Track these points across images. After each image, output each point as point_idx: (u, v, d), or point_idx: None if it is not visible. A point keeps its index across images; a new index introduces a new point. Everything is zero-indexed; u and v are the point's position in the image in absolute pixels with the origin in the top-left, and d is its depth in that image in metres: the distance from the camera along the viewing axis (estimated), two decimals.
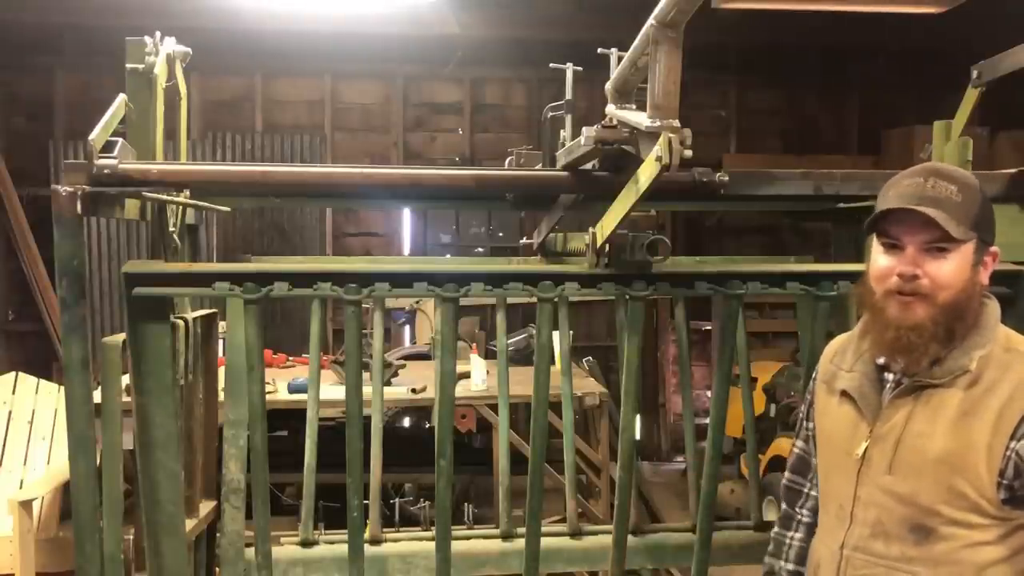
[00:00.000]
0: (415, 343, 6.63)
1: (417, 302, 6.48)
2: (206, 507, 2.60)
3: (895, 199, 1.60)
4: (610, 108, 2.09)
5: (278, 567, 2.55)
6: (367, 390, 2.44)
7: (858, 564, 1.64)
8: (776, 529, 1.93)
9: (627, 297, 2.18)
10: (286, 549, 2.63)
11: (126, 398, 2.14)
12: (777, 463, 5.15)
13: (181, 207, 2.32)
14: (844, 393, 1.71)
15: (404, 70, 7.50)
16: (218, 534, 2.65)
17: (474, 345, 5.79)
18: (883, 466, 1.61)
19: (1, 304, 7.09)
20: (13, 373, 4.71)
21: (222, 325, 2.72)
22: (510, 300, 2.82)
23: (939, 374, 1.58)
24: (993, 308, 1.65)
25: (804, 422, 1.88)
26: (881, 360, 1.67)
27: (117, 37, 2.45)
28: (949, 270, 1.56)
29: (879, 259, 1.62)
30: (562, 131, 2.49)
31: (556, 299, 2.18)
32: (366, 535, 2.60)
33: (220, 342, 2.82)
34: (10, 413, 4.54)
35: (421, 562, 2.63)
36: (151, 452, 2.16)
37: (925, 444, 1.56)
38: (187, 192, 2.17)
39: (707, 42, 5.73)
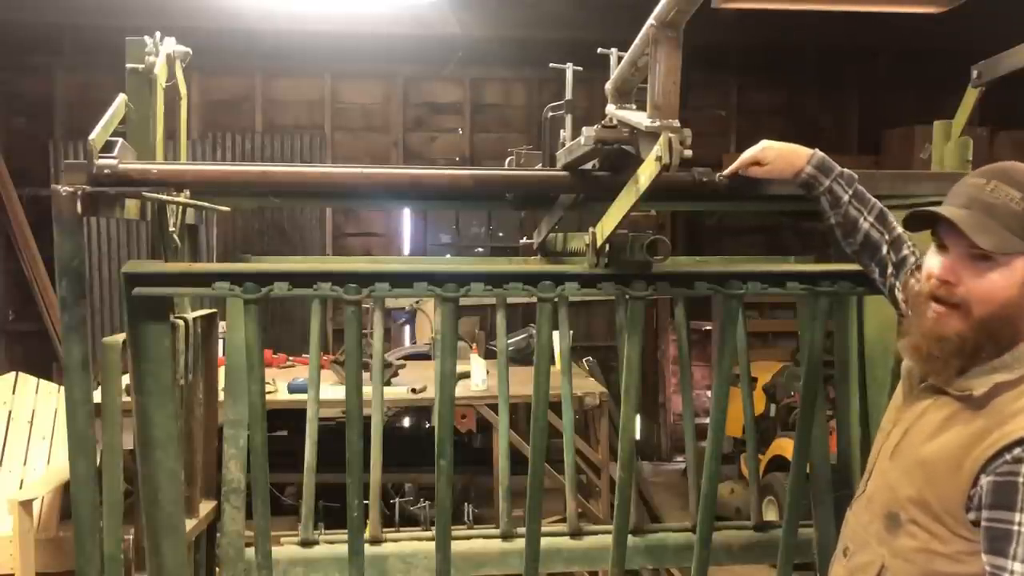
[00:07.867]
0: (415, 343, 6.63)
1: (417, 302, 6.48)
2: (206, 507, 2.60)
3: (949, 198, 1.54)
4: (610, 108, 2.08)
5: (278, 567, 2.55)
6: (367, 390, 2.44)
7: (851, 525, 1.73)
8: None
9: (627, 297, 2.18)
10: (286, 549, 2.63)
11: (126, 398, 2.13)
12: (777, 463, 5.15)
13: (181, 207, 2.32)
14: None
15: (404, 70, 7.50)
16: (218, 534, 2.65)
17: (474, 345, 5.79)
18: (890, 449, 1.65)
19: (1, 304, 7.09)
20: (13, 373, 4.71)
21: (222, 325, 2.72)
22: (510, 300, 2.82)
23: (955, 386, 1.53)
24: None
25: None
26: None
27: (117, 37, 2.44)
28: (989, 283, 1.46)
29: (930, 258, 1.57)
30: (562, 131, 2.48)
31: (556, 299, 2.17)
32: (366, 535, 2.60)
33: (220, 342, 2.82)
34: (10, 413, 4.54)
35: (421, 562, 2.63)
36: (151, 452, 2.15)
37: (918, 445, 1.57)
38: (187, 192, 2.17)
39: (707, 42, 5.72)
